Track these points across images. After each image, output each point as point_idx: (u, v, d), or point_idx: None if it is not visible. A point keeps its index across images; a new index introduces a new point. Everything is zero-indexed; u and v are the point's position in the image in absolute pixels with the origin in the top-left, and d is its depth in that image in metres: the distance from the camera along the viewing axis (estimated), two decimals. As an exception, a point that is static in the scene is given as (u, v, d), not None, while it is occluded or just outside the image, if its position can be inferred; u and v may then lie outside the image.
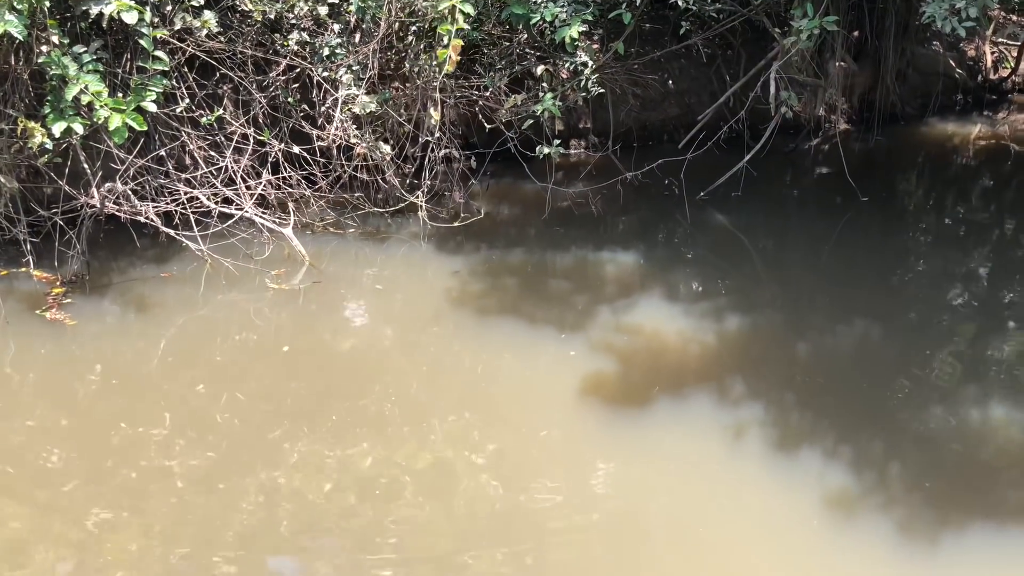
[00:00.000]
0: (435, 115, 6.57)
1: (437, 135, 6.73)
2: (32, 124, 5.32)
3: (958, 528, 3.96)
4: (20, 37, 5.20)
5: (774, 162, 7.78)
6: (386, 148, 6.64)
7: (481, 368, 5.20)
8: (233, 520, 3.93)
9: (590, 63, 7.11)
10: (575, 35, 6.60)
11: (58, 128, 5.31)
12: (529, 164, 7.15)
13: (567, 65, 7.35)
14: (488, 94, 7.11)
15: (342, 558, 3.79)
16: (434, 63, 6.43)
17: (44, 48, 5.43)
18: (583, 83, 7.06)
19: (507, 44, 7.35)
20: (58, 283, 5.45)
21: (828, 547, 3.84)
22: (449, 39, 5.94)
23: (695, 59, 8.36)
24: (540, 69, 7.23)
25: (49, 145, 5.38)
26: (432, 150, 6.76)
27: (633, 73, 8.08)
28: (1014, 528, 3.96)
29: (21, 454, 4.27)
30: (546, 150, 6.86)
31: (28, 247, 5.53)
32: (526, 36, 7.38)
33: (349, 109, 6.54)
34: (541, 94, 6.94)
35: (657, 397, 4.85)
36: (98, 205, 5.69)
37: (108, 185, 5.78)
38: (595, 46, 7.77)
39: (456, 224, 6.59)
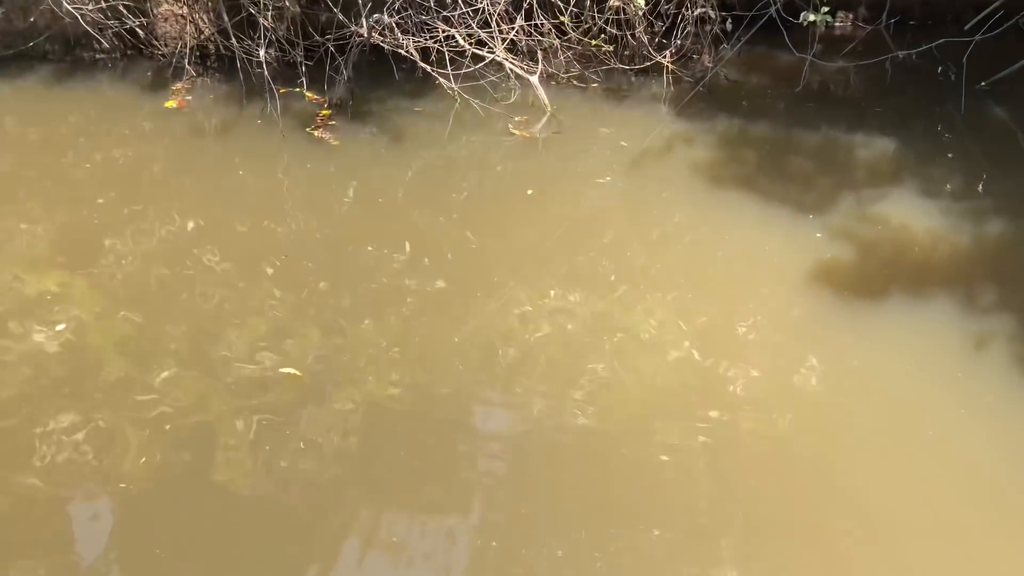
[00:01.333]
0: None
1: (695, -8, 6.44)
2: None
3: None
4: None
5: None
6: (640, 2, 6.45)
7: (706, 239, 5.13)
8: (452, 348, 4.27)
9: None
10: None
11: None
12: (789, 32, 6.69)
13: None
14: (757, -49, 6.64)
15: (540, 403, 4.01)
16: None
17: None
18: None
19: None
20: (326, 105, 5.92)
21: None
22: None
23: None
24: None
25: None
26: (687, 8, 6.49)
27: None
28: None
29: (276, 255, 4.80)
30: (812, 17, 6.38)
31: (303, 69, 6.02)
32: None
33: (608, -42, 6.38)
34: (816, -47, 6.40)
35: (893, 293, 4.60)
36: (365, 35, 6.04)
37: (376, 16, 6.09)
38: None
39: (701, 89, 6.37)
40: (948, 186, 5.53)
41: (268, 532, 3.38)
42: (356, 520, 3.47)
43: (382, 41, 6.07)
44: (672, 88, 6.36)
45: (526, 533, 3.45)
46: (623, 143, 6.00)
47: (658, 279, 4.74)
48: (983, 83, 6.44)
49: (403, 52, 6.05)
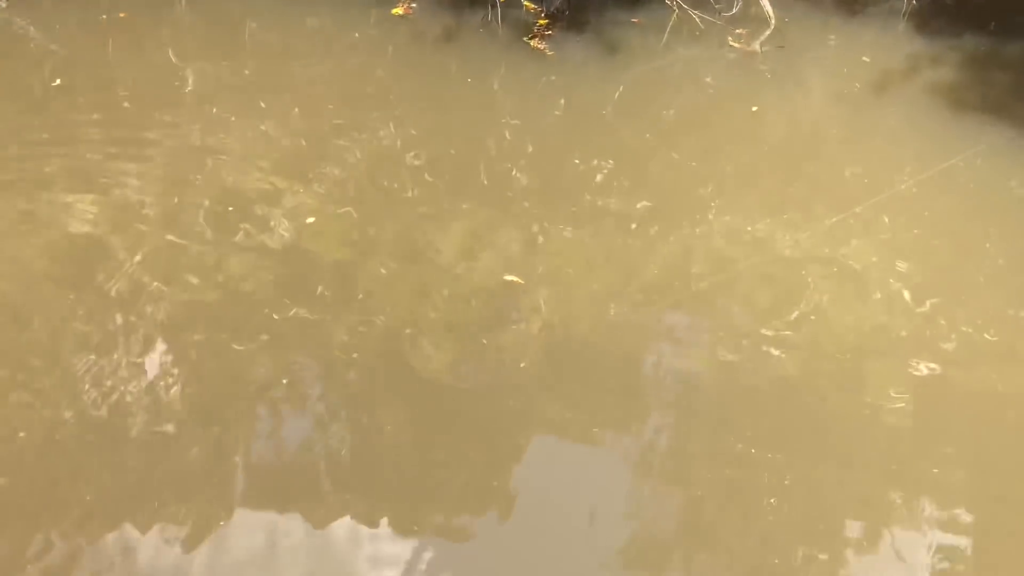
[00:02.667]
0: None
1: None
2: None
3: None
4: None
5: None
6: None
7: (942, 170, 4.76)
8: (645, 261, 4.28)
9: None
10: None
11: None
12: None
13: None
14: None
15: (710, 329, 3.94)
16: None
17: None
18: None
19: None
20: (543, 15, 5.93)
21: None
22: None
23: None
24: None
25: None
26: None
27: None
28: None
29: (487, 164, 4.96)
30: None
31: (522, -23, 6.03)
32: None
33: None
34: None
35: None
36: (586, -57, 5.94)
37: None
38: None
39: (948, 2, 5.78)
40: None
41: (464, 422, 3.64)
42: (541, 422, 3.64)
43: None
44: (914, 1, 5.80)
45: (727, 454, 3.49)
46: (854, 60, 5.60)
47: (883, 211, 4.46)
48: None
49: (624, -40, 5.92)
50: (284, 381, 3.64)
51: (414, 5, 6.18)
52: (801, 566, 3.11)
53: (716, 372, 3.75)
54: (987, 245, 4.25)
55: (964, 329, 3.87)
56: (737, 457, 3.38)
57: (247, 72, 5.63)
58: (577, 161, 4.90)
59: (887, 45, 5.68)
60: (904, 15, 5.83)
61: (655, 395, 3.67)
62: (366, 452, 3.43)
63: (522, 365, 3.71)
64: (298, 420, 3.53)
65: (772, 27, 5.69)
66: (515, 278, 4.08)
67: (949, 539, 3.18)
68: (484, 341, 3.80)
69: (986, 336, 3.85)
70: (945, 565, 3.09)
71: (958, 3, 5.78)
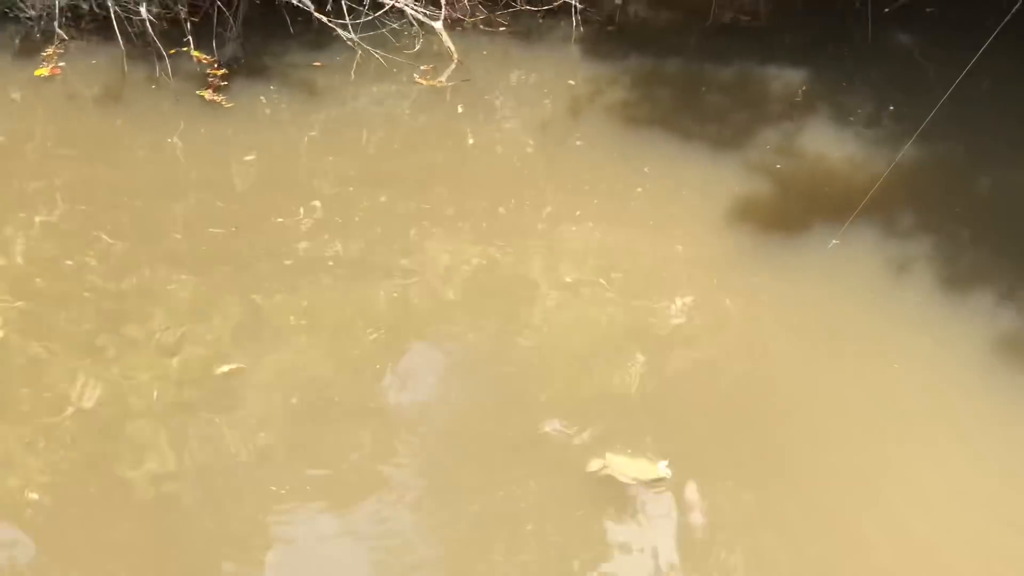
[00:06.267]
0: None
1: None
2: None
3: None
4: None
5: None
6: (543, -62, 6.22)
7: (623, 182, 5.01)
8: (369, 309, 4.06)
9: None
10: None
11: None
12: (696, -36, 6.57)
13: None
14: None
15: (470, 353, 3.87)
16: None
17: None
18: None
19: None
20: (216, 65, 5.52)
21: (996, 390, 3.62)
22: None
23: None
24: None
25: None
26: (592, -57, 6.29)
27: None
28: None
29: (187, 225, 4.48)
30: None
31: (188, 27, 5.59)
32: None
33: None
34: None
35: (814, 225, 4.58)
36: (253, -14, 5.64)
37: (263, -34, 5.69)
38: None
39: (610, 28, 6.21)
40: (860, 113, 5.52)
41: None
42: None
43: (273, -9, 5.69)
44: (581, 29, 6.16)
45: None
46: (534, 88, 5.81)
47: (579, 224, 4.60)
48: (887, 8, 6.45)
49: (296, 2, 5.68)
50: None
51: (62, 64, 5.48)
52: None
53: (455, 412, 3.60)
54: (679, 248, 4.50)
55: (672, 313, 4.06)
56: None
57: None
58: (280, 219, 4.54)
59: (563, 70, 5.96)
60: (574, 41, 6.16)
61: (408, 440, 3.45)
62: None
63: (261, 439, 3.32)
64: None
65: (456, 62, 5.75)
66: (232, 366, 3.65)
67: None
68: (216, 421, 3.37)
69: (690, 319, 4.05)
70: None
71: (619, 28, 6.22)
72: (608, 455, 3.29)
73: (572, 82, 5.86)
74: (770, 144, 5.18)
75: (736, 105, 5.58)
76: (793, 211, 4.74)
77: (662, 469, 3.20)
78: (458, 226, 4.56)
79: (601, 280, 4.26)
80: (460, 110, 5.50)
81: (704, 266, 4.35)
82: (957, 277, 4.20)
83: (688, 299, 4.15)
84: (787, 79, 5.82)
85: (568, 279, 4.28)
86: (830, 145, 5.13)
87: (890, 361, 3.78)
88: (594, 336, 3.96)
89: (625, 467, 3.24)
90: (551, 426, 3.47)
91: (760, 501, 3.25)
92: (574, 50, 6.12)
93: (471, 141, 5.32)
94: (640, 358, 3.85)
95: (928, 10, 6.46)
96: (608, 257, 4.39)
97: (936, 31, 6.34)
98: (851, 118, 5.44)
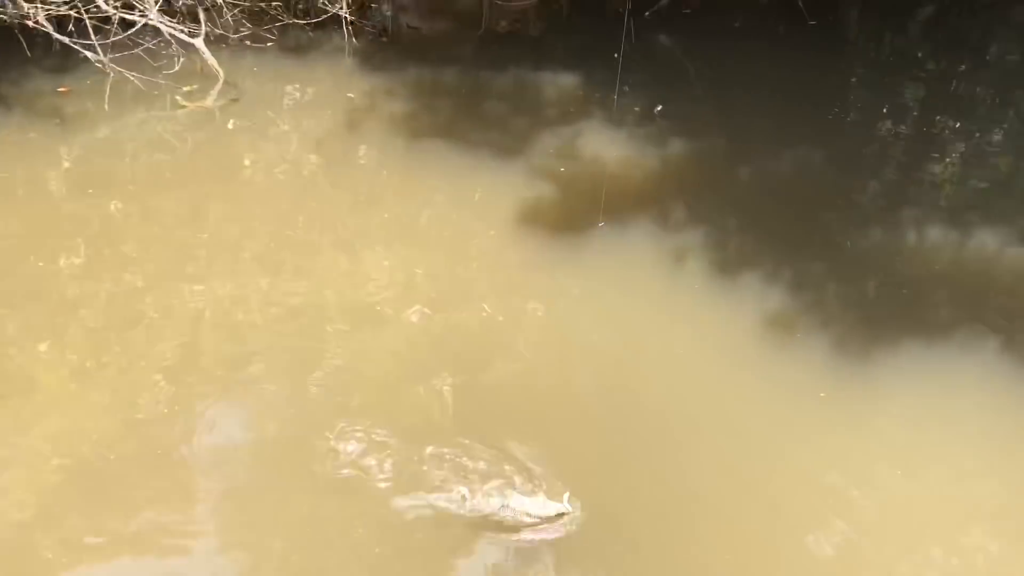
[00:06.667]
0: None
1: (363, -63, 6.12)
2: None
3: (891, 344, 4.01)
4: None
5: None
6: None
7: (412, 194, 4.93)
8: (150, 352, 3.72)
9: None
10: None
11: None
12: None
13: None
14: None
15: (276, 384, 3.65)
16: None
17: None
18: None
19: None
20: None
21: (768, 364, 3.87)
22: None
23: None
24: None
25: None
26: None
27: None
28: (941, 343, 4.03)
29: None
30: (483, -42, 6.32)
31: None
32: None
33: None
34: None
35: (597, 223, 4.71)
36: (-24, 7, 5.05)
37: (-14, -17, 5.11)
38: None
39: (384, 39, 6.11)
40: (631, 113, 5.76)
41: None
42: None
43: (2, 11, 5.10)
44: (355, 41, 6.02)
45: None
46: (311, 103, 5.59)
47: (371, 243, 4.46)
48: (647, 13, 6.79)
49: (31, 23, 5.14)
50: None
51: None
52: None
53: (253, 454, 3.36)
54: (476, 259, 4.48)
55: (477, 321, 4.02)
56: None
57: None
58: (41, 263, 4.06)
59: (339, 84, 5.80)
60: (348, 54, 6.01)
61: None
62: None
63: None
64: None
65: (222, 81, 5.43)
66: None
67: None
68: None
69: (497, 324, 4.03)
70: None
71: (393, 39, 6.14)
72: (509, 495, 3.16)
73: (352, 95, 5.71)
74: (551, 148, 5.29)
75: (515, 112, 5.66)
76: (578, 210, 4.84)
77: (564, 504, 3.09)
78: (241, 256, 4.28)
79: (402, 299, 4.15)
80: (233, 131, 5.19)
81: (503, 272, 4.35)
82: (727, 261, 4.46)
83: (492, 306, 4.13)
84: (561, 84, 5.98)
85: (368, 301, 4.13)
86: (606, 146, 5.30)
87: (679, 342, 3.95)
88: (400, 359, 3.84)
89: (528, 507, 3.11)
90: (355, 459, 3.31)
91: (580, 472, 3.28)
92: (349, 63, 5.97)
93: (248, 163, 5.03)
94: (450, 375, 3.77)
95: (685, 12, 6.85)
96: (406, 273, 4.29)
97: (693, 32, 6.77)
98: (623, 119, 5.66)
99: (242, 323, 3.93)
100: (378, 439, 3.39)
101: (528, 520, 3.11)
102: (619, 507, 3.22)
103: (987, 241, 4.65)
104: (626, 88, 6.05)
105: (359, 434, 3.42)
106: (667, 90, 6.14)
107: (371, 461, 3.32)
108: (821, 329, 4.06)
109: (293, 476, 3.26)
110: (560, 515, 3.10)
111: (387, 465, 3.31)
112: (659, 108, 5.81)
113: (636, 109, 5.83)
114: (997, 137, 5.76)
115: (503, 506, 3.13)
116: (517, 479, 3.26)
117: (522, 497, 3.16)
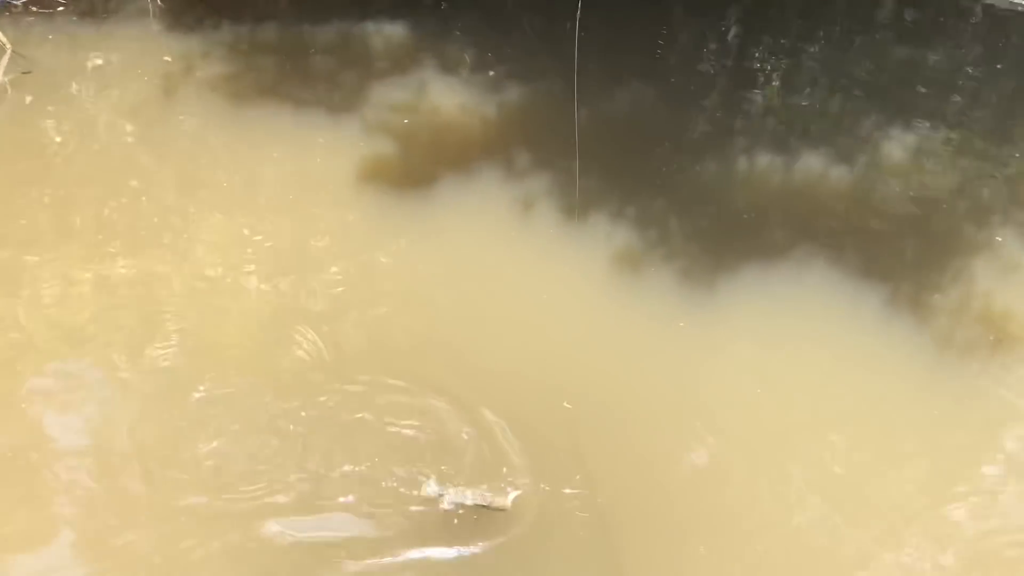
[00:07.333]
0: None
1: None
2: None
3: (732, 270, 4.23)
4: None
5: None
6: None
7: (244, 161, 4.66)
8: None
9: None
10: None
11: None
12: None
13: None
14: None
15: (111, 375, 3.39)
16: None
17: None
18: None
19: None
20: None
21: (625, 300, 3.98)
22: None
23: None
24: None
25: None
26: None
27: None
28: (780, 264, 4.30)
29: None
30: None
31: None
32: None
33: None
34: None
35: (442, 176, 4.64)
36: None
37: None
38: None
39: (192, -4, 5.68)
40: (464, 61, 5.67)
41: None
42: None
43: None
44: (160, 1, 5.55)
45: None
46: (119, 70, 5.13)
47: (210, 216, 4.19)
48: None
49: None
50: None
51: None
52: None
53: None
54: (320, 220, 4.30)
55: (330, 283, 3.89)
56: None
57: None
58: None
59: (148, 49, 5.35)
60: (153, 15, 5.54)
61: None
62: None
63: None
64: None
65: (9, 51, 4.88)
66: None
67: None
68: None
69: (352, 282, 3.92)
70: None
71: (202, -2, 5.71)
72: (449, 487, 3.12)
73: (168, 58, 5.27)
74: (387, 102, 5.14)
75: (344, 66, 5.44)
76: (421, 164, 4.75)
77: (510, 500, 3.07)
78: (67, 240, 3.90)
79: (245, 268, 3.93)
80: (30, 106, 4.69)
81: (349, 233, 4.21)
82: (574, 205, 4.53)
83: (341, 268, 3.99)
84: (388, 34, 5.80)
85: (210, 274, 3.88)
86: (442, 96, 5.21)
87: (536, 286, 3.99)
88: (249, 327, 3.66)
89: (469, 494, 3.09)
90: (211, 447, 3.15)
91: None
92: (155, 25, 5.51)
93: (58, 139, 4.57)
94: (307, 335, 3.65)
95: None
96: (248, 244, 4.06)
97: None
98: (455, 66, 5.57)
99: (73, 314, 3.62)
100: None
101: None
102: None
103: (811, 163, 4.96)
104: (456, 35, 5.94)
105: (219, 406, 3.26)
106: (498, 34, 6.08)
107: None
108: (670, 262, 4.23)
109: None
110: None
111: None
112: (489, 54, 5.75)
113: (469, 56, 5.74)
114: (811, 63, 6.11)
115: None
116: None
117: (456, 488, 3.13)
